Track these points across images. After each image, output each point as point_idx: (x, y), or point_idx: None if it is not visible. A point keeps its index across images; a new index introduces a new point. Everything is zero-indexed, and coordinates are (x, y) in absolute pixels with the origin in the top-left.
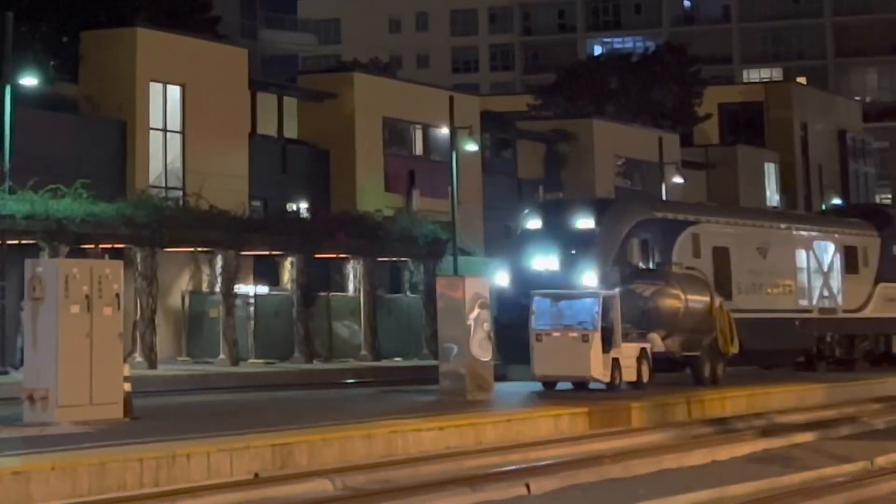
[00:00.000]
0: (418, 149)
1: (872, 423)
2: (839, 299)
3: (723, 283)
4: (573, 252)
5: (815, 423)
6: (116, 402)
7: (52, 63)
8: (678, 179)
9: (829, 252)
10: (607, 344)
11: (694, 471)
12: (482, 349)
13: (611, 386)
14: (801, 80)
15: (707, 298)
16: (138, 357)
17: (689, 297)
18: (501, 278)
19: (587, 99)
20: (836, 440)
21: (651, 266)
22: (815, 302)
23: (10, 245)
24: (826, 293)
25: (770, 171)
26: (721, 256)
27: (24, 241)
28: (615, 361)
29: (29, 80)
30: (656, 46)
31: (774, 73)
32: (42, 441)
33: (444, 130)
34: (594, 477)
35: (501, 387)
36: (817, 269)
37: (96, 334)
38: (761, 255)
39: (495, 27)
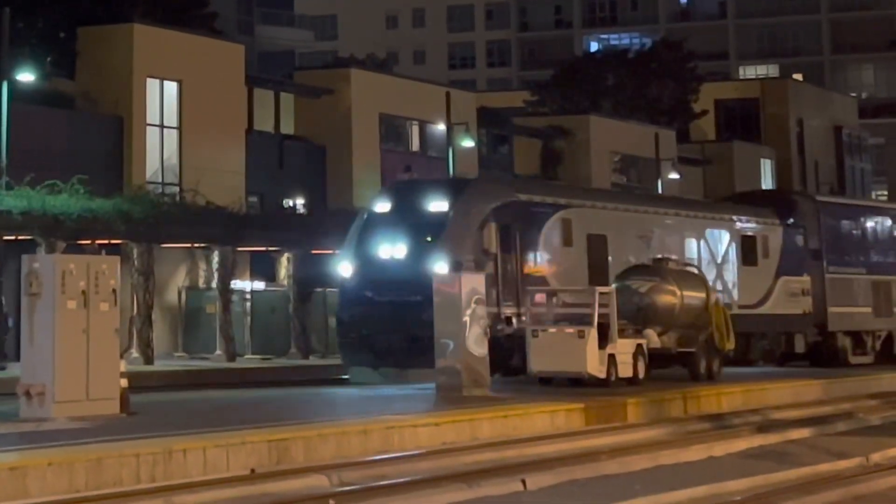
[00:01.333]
0: (415, 145)
1: (868, 419)
2: (734, 294)
3: (598, 275)
4: (423, 238)
5: (811, 419)
6: (113, 398)
7: (48, 59)
8: (674, 175)
9: (723, 241)
10: (603, 340)
11: (690, 467)
12: (478, 345)
13: (606, 382)
14: (798, 76)
15: (703, 295)
16: (135, 353)
17: (686, 293)
18: (344, 269)
19: (583, 95)
20: (832, 436)
21: (514, 254)
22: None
23: (6, 241)
24: (719, 287)
25: (766, 167)
26: (597, 245)
27: (20, 237)
28: (611, 357)
29: (26, 76)
30: (653, 43)
31: (770, 70)
32: (38, 436)
33: (441, 126)
34: (590, 473)
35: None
36: (710, 260)
37: (93, 330)
38: (644, 244)
39: (492, 23)
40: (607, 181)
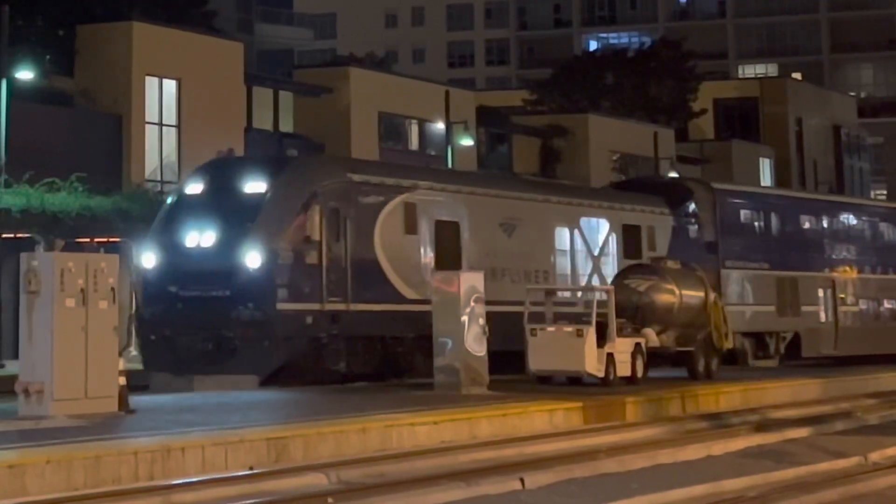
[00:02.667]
0: (414, 143)
1: (867, 419)
2: None
3: (448, 268)
4: (236, 224)
5: (809, 419)
6: (111, 396)
7: (47, 56)
8: (673, 174)
9: (601, 232)
10: (602, 339)
11: (688, 465)
12: (477, 343)
13: (605, 381)
14: (796, 75)
15: (702, 294)
16: (133, 351)
17: (684, 292)
18: (146, 259)
19: (582, 94)
20: (830, 435)
21: (343, 242)
22: (580, 293)
23: (5, 239)
24: (596, 282)
25: (765, 166)
26: (446, 233)
27: (19, 235)
28: (610, 356)
29: (24, 74)
30: (652, 42)
31: (769, 69)
32: (37, 434)
33: (440, 125)
34: (589, 471)
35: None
36: (585, 252)
37: (91, 328)
38: (506, 233)
39: (491, 22)
40: (606, 180)
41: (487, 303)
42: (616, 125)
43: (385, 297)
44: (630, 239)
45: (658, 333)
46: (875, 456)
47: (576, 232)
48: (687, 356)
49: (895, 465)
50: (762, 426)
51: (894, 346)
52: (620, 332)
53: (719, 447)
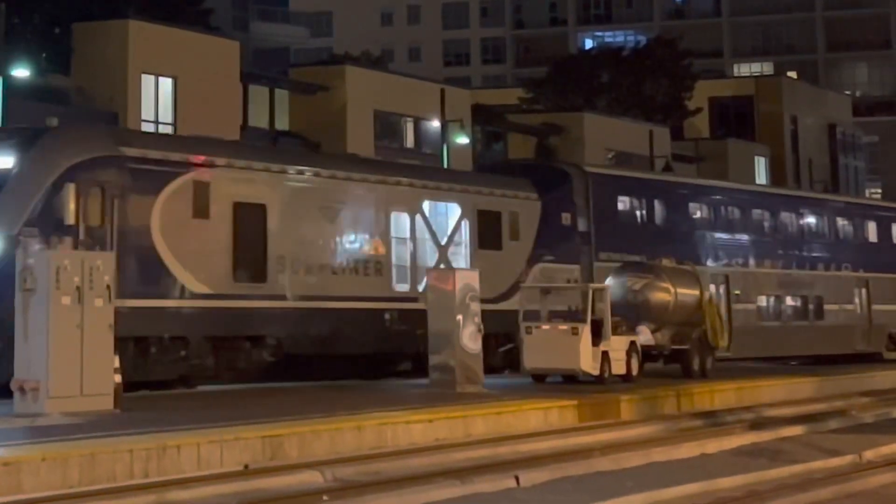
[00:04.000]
0: (409, 142)
1: (861, 417)
2: None
3: (249, 258)
4: None
5: (803, 417)
6: (107, 394)
7: (44, 54)
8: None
9: (451, 218)
10: (597, 337)
11: (683, 464)
12: (472, 341)
13: (600, 379)
14: (792, 74)
15: (697, 292)
16: None
17: (680, 290)
18: None
19: (578, 93)
20: (824, 434)
21: (109, 228)
22: (421, 287)
23: None
24: None
25: (760, 164)
26: (249, 218)
27: None
28: (605, 354)
29: (21, 72)
30: (647, 40)
31: (765, 68)
32: (32, 432)
33: (436, 123)
34: (583, 469)
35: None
36: (430, 240)
37: (87, 326)
38: (327, 219)
39: (487, 20)
40: None
41: (306, 300)
42: (611, 124)
43: (165, 291)
44: (487, 226)
45: (653, 331)
46: (869, 454)
47: (418, 218)
48: (682, 354)
49: (889, 464)
50: (757, 424)
51: (797, 347)
52: (615, 331)
53: (714, 445)
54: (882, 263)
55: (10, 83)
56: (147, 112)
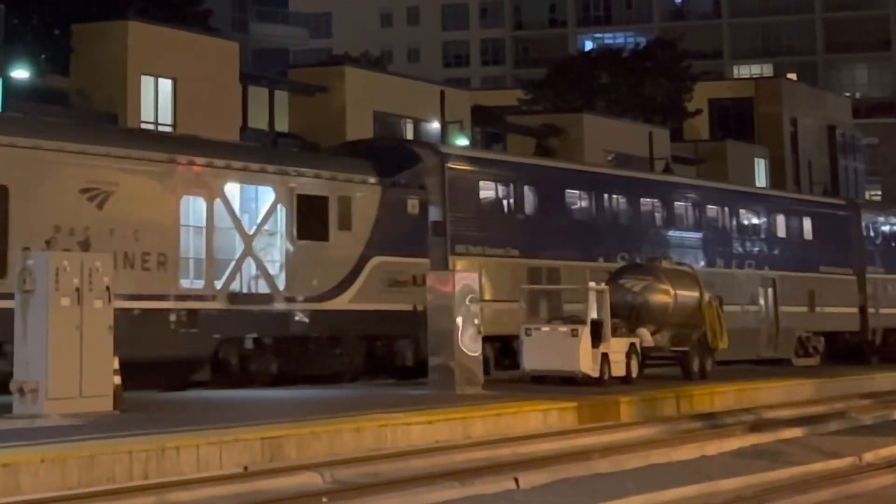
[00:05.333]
0: None
1: (861, 419)
2: (280, 281)
3: None
4: None
5: (803, 419)
6: (106, 395)
7: (43, 56)
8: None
9: (263, 203)
10: (597, 339)
11: (682, 465)
12: (472, 343)
13: (600, 381)
14: (791, 75)
15: (696, 294)
16: None
17: (679, 292)
18: None
19: (577, 94)
20: (824, 435)
21: None
22: (220, 284)
23: None
24: (253, 270)
25: (760, 166)
26: None
27: None
28: (604, 356)
29: (20, 73)
30: (647, 42)
31: (764, 69)
32: (31, 433)
33: (435, 125)
34: (583, 471)
35: (491, 380)
36: (233, 229)
37: (86, 327)
38: (94, 203)
39: (486, 22)
40: None
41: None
42: (611, 125)
43: None
44: (309, 213)
45: (653, 333)
46: (869, 456)
47: (218, 203)
48: (681, 356)
49: (889, 466)
50: (756, 426)
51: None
52: (615, 332)
53: (713, 447)
54: (792, 261)
55: (9, 84)
56: (146, 113)
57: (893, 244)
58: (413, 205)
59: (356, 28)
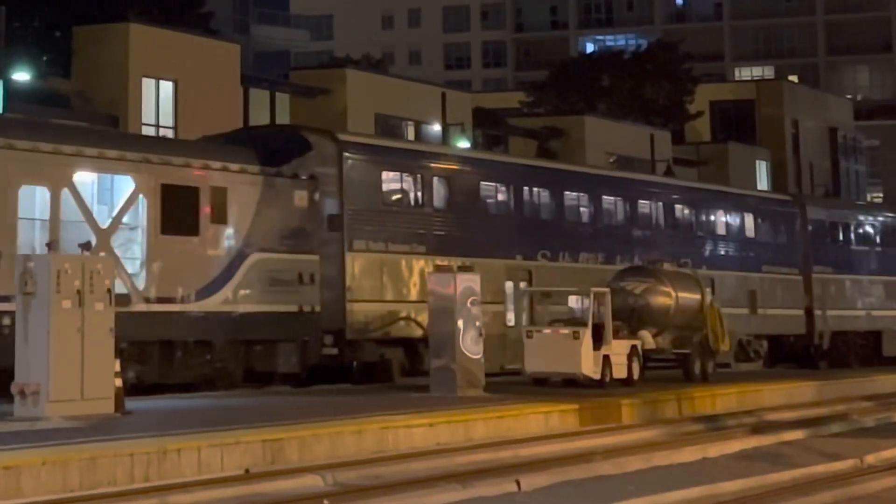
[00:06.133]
0: None
1: (863, 421)
2: (140, 279)
3: None
4: None
5: (805, 421)
6: (108, 397)
7: (44, 58)
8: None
9: (121, 194)
10: (598, 341)
11: (684, 468)
12: (473, 345)
13: (601, 383)
14: (793, 77)
15: (698, 296)
16: None
17: (680, 294)
18: None
19: (579, 96)
20: (826, 438)
21: None
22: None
23: None
24: (127, 268)
25: (761, 168)
26: None
27: None
28: (606, 358)
29: (21, 75)
30: (648, 44)
31: (766, 71)
32: (33, 436)
33: (437, 127)
34: (584, 473)
35: (493, 382)
36: (84, 224)
37: (88, 329)
38: None
39: (487, 24)
40: None
41: None
42: (612, 127)
43: None
44: (176, 205)
45: (654, 336)
46: (871, 458)
47: (66, 193)
48: (683, 358)
49: (891, 468)
50: (758, 428)
51: None
52: (616, 335)
53: (715, 449)
54: (732, 260)
55: (10, 86)
56: (147, 115)
57: (843, 242)
58: (301, 196)
59: (357, 30)
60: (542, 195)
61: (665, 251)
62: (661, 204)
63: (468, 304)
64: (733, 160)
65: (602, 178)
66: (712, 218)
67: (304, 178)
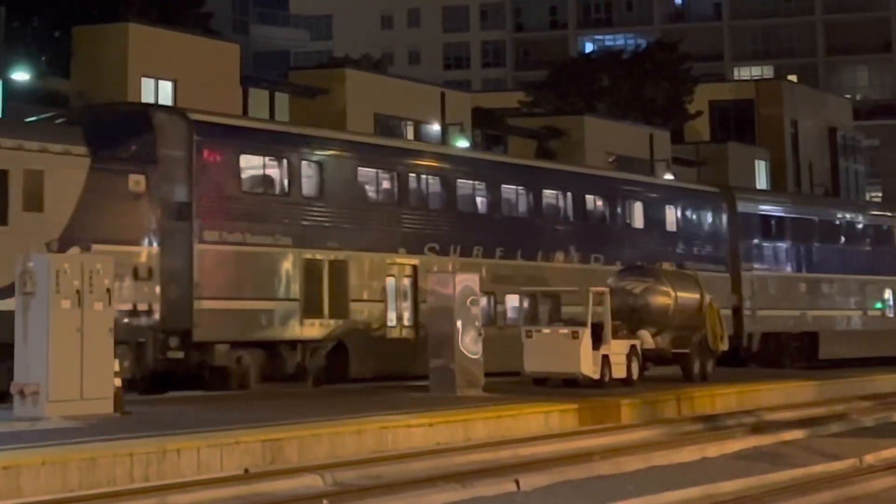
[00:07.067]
0: None
1: (862, 421)
2: None
3: None
4: None
5: (804, 421)
6: (107, 397)
7: (43, 58)
8: (669, 176)
9: None
10: (597, 341)
11: (683, 468)
12: (472, 345)
13: (600, 383)
14: (792, 77)
15: (697, 296)
16: None
17: (680, 294)
18: None
19: (578, 96)
20: (825, 437)
21: None
22: None
23: None
24: None
25: (761, 168)
26: None
27: None
28: (605, 358)
29: (21, 75)
30: (647, 44)
31: (765, 71)
32: (32, 436)
33: (436, 127)
34: (584, 473)
35: (492, 382)
36: None
37: (87, 329)
38: None
39: (487, 24)
40: None
41: None
42: (612, 127)
43: None
44: None
45: (653, 335)
46: (870, 458)
47: None
48: (682, 358)
49: (890, 468)
50: (757, 428)
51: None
52: (616, 334)
53: (714, 449)
54: (651, 255)
55: (9, 86)
56: None
57: (777, 238)
58: (137, 181)
59: (357, 30)
60: (430, 182)
61: (573, 246)
62: (569, 194)
63: (467, 304)
64: (732, 160)
65: (503, 166)
66: (627, 211)
67: (143, 161)
